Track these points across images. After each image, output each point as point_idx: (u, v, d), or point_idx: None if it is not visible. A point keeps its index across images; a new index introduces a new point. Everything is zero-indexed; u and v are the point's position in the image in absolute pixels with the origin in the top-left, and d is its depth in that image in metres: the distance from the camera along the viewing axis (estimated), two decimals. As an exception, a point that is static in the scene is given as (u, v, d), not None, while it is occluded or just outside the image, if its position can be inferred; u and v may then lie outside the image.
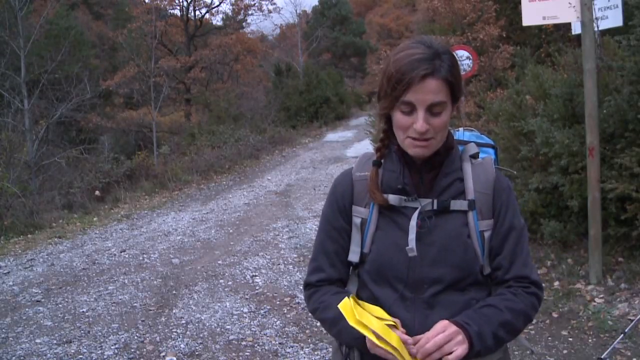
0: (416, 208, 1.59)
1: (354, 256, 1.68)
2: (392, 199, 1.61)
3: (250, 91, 28.65)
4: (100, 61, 27.07)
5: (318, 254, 1.75)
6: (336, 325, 1.62)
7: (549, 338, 4.63)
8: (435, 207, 1.59)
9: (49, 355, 5.10)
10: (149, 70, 20.97)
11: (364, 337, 1.47)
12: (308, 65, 32.49)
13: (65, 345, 5.26)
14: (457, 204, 1.60)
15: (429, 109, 1.49)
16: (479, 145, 1.79)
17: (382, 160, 1.68)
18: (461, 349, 1.42)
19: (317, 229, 1.79)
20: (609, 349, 4.09)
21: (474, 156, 1.67)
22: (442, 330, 1.45)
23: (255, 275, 6.95)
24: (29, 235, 10.35)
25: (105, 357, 5.00)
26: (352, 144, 19.35)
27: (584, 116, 5.35)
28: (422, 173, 1.62)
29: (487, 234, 1.61)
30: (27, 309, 6.25)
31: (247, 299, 6.21)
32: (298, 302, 5.92)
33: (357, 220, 1.67)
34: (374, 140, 12.74)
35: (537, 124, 5.96)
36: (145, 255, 8.14)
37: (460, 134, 1.86)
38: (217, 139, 19.33)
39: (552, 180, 5.83)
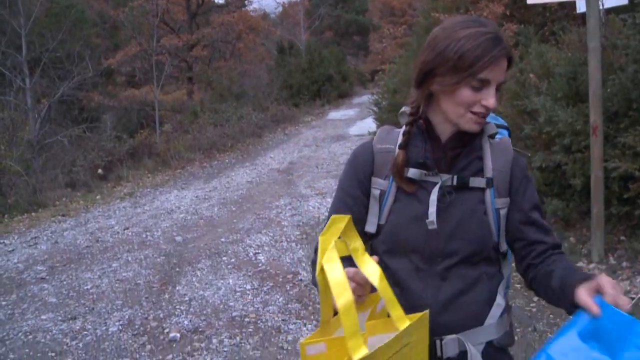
0: (436, 183, 1.61)
1: (371, 227, 1.69)
2: (413, 172, 1.63)
3: (253, 69, 28.51)
4: (101, 40, 26.86)
5: None
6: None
7: (551, 315, 4.66)
8: (454, 182, 1.62)
9: (54, 331, 5.15)
10: (150, 49, 20.86)
11: None
12: (310, 43, 32.28)
13: (70, 322, 5.32)
14: (476, 181, 1.63)
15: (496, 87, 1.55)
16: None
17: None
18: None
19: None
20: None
21: (492, 136, 1.70)
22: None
23: (258, 253, 6.99)
24: (33, 214, 10.40)
25: (109, 333, 5.05)
26: (354, 122, 19.30)
27: (588, 95, 5.33)
28: (446, 150, 1.65)
29: (502, 212, 1.64)
30: (32, 286, 6.30)
31: (250, 276, 6.25)
32: (301, 279, 5.95)
33: (375, 192, 1.69)
34: (377, 119, 12.71)
35: (540, 103, 5.94)
36: (148, 233, 8.18)
37: None
38: (219, 117, 19.27)
39: (555, 159, 5.82)
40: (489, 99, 1.53)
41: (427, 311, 1.39)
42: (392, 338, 1.24)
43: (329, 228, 1.29)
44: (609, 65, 5.49)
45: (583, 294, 1.30)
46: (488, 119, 1.81)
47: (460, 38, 1.52)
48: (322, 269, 1.25)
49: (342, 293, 1.19)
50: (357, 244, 1.35)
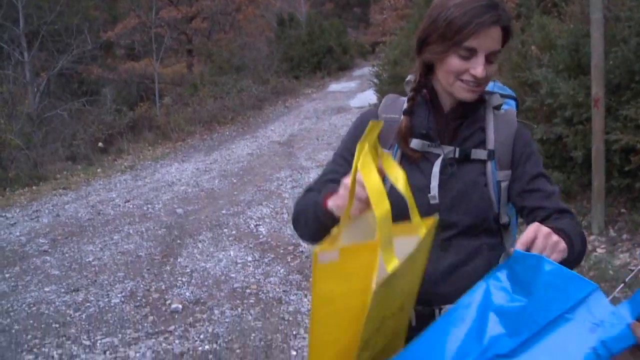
0: (438, 154, 1.61)
1: None
2: (415, 143, 1.63)
3: (253, 41, 28.29)
4: (100, 12, 26.58)
5: (328, 172, 1.73)
6: (309, 200, 1.59)
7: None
8: (456, 155, 1.61)
9: (57, 303, 5.19)
10: (149, 21, 20.70)
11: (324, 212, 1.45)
12: (310, 15, 31.99)
13: (73, 294, 5.36)
14: (477, 153, 1.62)
15: (487, 56, 1.51)
16: (501, 96, 1.80)
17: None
18: (562, 246, 1.32)
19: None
20: (609, 297, 4.14)
21: (497, 107, 1.69)
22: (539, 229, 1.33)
23: (259, 225, 7.01)
24: (34, 187, 10.42)
25: (112, 304, 5.09)
26: (355, 95, 19.21)
27: (590, 67, 5.30)
28: (448, 120, 1.64)
29: (503, 184, 1.64)
30: (34, 259, 6.33)
31: (251, 247, 6.28)
32: (302, 251, 5.98)
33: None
34: (378, 91, 12.67)
35: (542, 75, 5.91)
36: (149, 206, 8.20)
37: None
38: (219, 89, 19.18)
39: (556, 131, 5.81)
40: (477, 67, 1.50)
41: (437, 217, 1.38)
42: (415, 247, 1.23)
43: (368, 134, 1.24)
44: (612, 37, 5.45)
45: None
46: (495, 89, 1.80)
47: (451, 6, 1.50)
48: (355, 175, 1.23)
49: (380, 202, 1.16)
50: (381, 149, 1.31)
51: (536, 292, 1.16)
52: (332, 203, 1.41)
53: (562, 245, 1.30)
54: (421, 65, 1.65)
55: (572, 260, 1.39)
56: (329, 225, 1.40)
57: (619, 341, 1.04)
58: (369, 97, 15.20)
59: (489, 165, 1.63)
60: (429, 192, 1.57)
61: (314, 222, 1.54)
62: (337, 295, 1.16)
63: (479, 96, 1.64)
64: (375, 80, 13.36)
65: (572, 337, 1.07)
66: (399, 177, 1.29)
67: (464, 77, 1.54)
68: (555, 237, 1.28)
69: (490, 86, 1.85)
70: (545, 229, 1.28)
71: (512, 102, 1.88)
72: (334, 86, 22.80)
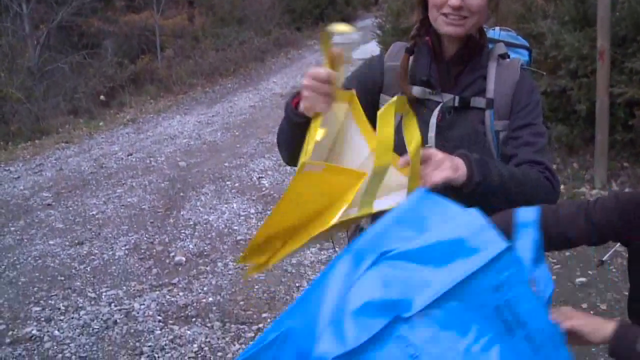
0: (438, 102, 1.61)
1: None
2: (416, 90, 1.63)
3: (255, -8, 27.90)
4: (98, -39, 26.20)
5: None
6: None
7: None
8: (456, 103, 1.61)
9: (62, 255, 5.25)
10: (149, -29, 20.37)
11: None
12: (313, -35, 31.47)
13: (78, 247, 5.41)
14: (477, 101, 1.62)
15: None
16: (513, 45, 1.78)
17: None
18: (454, 172, 1.35)
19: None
20: (610, 251, 4.19)
21: (503, 56, 1.67)
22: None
23: (262, 177, 7.03)
24: (36, 141, 10.40)
25: (116, 257, 5.15)
26: (358, 46, 19.04)
27: (596, 18, 5.23)
28: (449, 67, 1.63)
29: (502, 135, 1.63)
30: (38, 212, 6.37)
31: (253, 200, 6.31)
32: (304, 205, 6.00)
33: None
34: (381, 42, 12.52)
35: (547, 26, 5.84)
36: (152, 159, 8.20)
37: (495, 33, 1.84)
38: (221, 41, 18.98)
39: (560, 84, 5.77)
40: None
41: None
42: (399, 202, 1.24)
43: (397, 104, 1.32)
44: (619, -13, 5.37)
45: None
46: (507, 39, 1.78)
47: None
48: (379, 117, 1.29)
49: (383, 155, 1.27)
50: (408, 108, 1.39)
51: (439, 245, 1.07)
52: (301, 105, 1.42)
53: (451, 165, 1.35)
54: (419, 7, 1.65)
55: (477, 191, 1.38)
56: (301, 123, 1.42)
57: (521, 300, 1.03)
58: (372, 48, 14.99)
59: (487, 115, 1.62)
60: (427, 143, 1.58)
61: (289, 128, 1.54)
62: (304, 196, 1.32)
63: (479, 41, 1.64)
64: (378, 32, 13.19)
65: (476, 296, 1.02)
66: (412, 140, 1.34)
67: (444, 10, 1.54)
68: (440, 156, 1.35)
69: (502, 35, 1.83)
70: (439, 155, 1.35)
71: (525, 52, 1.86)
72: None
